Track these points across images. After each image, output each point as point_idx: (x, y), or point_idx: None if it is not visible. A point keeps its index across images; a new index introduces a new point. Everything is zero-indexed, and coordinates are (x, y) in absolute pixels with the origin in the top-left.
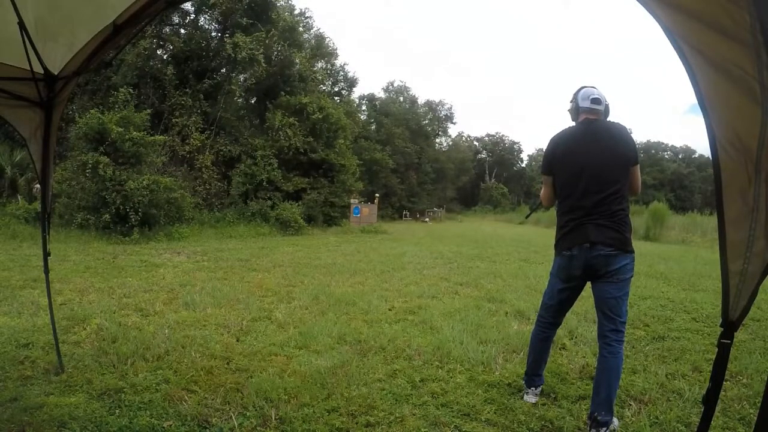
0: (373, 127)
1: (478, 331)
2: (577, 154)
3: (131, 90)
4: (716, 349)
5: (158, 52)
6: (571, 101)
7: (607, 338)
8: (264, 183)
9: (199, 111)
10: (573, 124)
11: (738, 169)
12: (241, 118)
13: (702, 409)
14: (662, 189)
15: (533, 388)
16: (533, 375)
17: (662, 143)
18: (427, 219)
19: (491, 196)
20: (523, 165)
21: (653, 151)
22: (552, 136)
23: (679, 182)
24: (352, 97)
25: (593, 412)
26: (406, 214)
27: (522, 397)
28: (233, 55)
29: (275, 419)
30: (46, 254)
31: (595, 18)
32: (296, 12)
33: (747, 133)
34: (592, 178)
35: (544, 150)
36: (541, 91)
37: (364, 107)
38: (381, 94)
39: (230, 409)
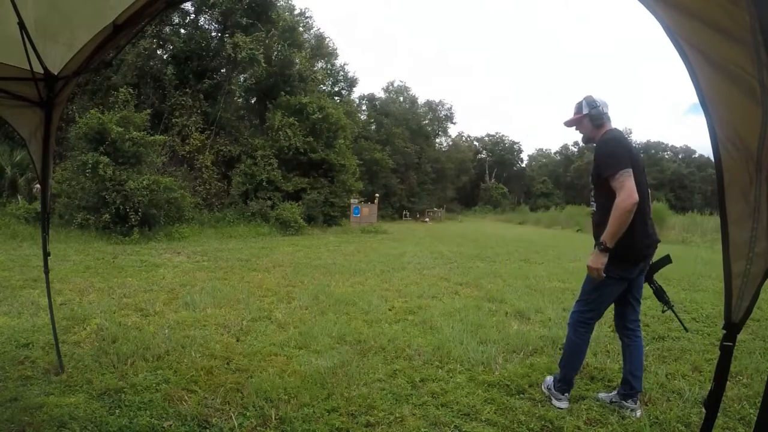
0: (373, 127)
1: (478, 331)
2: (637, 156)
3: (131, 90)
4: (717, 350)
5: (158, 52)
6: (594, 106)
7: (635, 326)
8: (264, 183)
9: (199, 111)
10: (603, 130)
11: (740, 169)
12: (241, 118)
13: (702, 411)
14: (662, 189)
15: (568, 393)
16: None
17: (662, 143)
18: (427, 219)
19: (491, 196)
20: (523, 165)
21: (653, 151)
22: (612, 134)
23: (679, 182)
24: (352, 97)
25: (637, 388)
26: (406, 214)
27: (555, 403)
28: (233, 55)
29: (275, 419)
30: (46, 254)
31: (595, 18)
32: (296, 12)
33: (748, 133)
34: (645, 182)
35: (614, 148)
36: (541, 91)
37: (364, 107)
38: (381, 94)
39: (230, 409)
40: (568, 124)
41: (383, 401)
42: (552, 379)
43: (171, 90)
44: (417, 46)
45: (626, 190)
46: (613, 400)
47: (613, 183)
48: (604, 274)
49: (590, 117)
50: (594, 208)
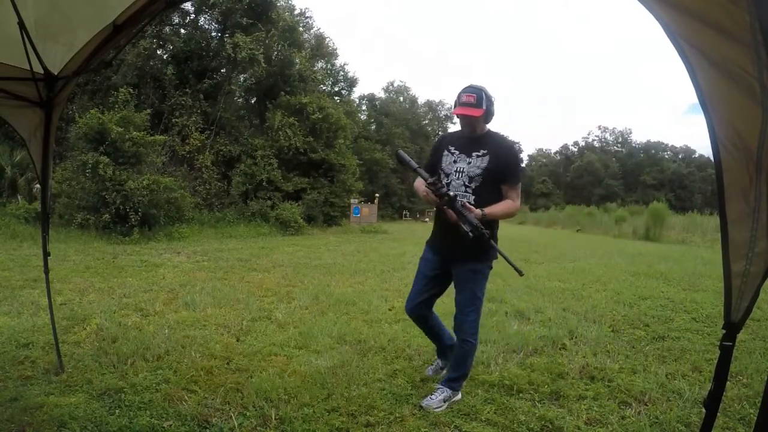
0: (373, 127)
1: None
2: None
3: (131, 90)
4: (717, 350)
5: (158, 52)
6: (492, 103)
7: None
8: (264, 183)
9: (199, 111)
10: (487, 126)
11: (739, 169)
12: (241, 118)
13: (702, 411)
14: (662, 189)
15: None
16: None
17: (662, 143)
18: (427, 219)
19: None
20: (523, 165)
21: (653, 151)
22: (511, 141)
23: (679, 182)
24: (352, 97)
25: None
26: (406, 214)
27: (455, 399)
28: (233, 55)
29: (275, 419)
30: (46, 254)
31: (595, 18)
32: (296, 12)
33: (748, 133)
34: None
35: (520, 158)
36: (541, 91)
37: (364, 107)
38: (381, 94)
39: (230, 409)
40: (469, 113)
41: (383, 401)
42: (445, 394)
43: (171, 90)
44: (417, 46)
45: (520, 198)
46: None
47: (516, 188)
48: (490, 266)
49: (488, 113)
50: (470, 201)
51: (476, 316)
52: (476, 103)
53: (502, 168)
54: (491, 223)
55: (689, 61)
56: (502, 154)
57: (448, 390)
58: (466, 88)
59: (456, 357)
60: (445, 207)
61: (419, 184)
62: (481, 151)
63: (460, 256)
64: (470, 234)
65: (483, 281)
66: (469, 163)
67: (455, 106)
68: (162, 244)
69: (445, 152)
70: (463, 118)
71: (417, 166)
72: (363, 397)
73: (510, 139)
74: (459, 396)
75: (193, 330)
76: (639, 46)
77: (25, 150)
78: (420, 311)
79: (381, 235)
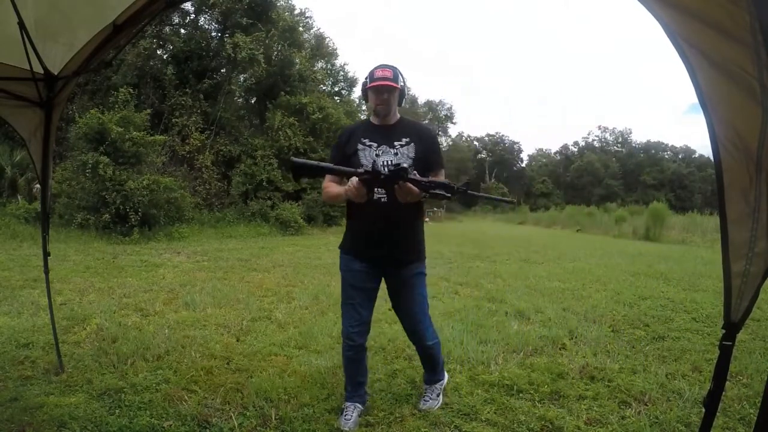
0: None
1: (478, 331)
2: None
3: (131, 90)
4: (717, 350)
5: (158, 52)
6: (405, 85)
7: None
8: (264, 183)
9: (199, 111)
10: (395, 102)
11: (739, 169)
12: (241, 118)
13: (702, 411)
14: (662, 189)
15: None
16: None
17: (662, 143)
18: (426, 219)
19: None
20: (523, 165)
21: (653, 151)
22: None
23: (679, 182)
24: (352, 97)
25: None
26: None
27: (440, 400)
28: (233, 55)
29: (275, 419)
30: (46, 254)
31: (595, 18)
32: (296, 12)
33: (748, 133)
34: None
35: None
36: (541, 90)
37: (364, 107)
38: None
39: (230, 409)
40: (388, 83)
41: (383, 401)
42: (436, 390)
43: (171, 90)
44: (417, 46)
45: None
46: (429, 396)
47: (442, 173)
48: (425, 272)
49: (402, 92)
50: None
51: (428, 317)
52: (393, 78)
53: (428, 154)
54: (420, 211)
55: (689, 61)
56: (425, 140)
57: (436, 385)
58: (378, 65)
59: (425, 360)
60: (397, 186)
61: (338, 190)
62: (404, 140)
63: (402, 258)
64: (449, 195)
65: (424, 280)
66: (396, 154)
67: (368, 83)
68: (162, 244)
69: (360, 146)
70: (382, 91)
71: (331, 165)
72: None
73: (425, 123)
74: (446, 378)
75: (193, 330)
76: (639, 46)
77: (25, 150)
78: (365, 335)
79: None
